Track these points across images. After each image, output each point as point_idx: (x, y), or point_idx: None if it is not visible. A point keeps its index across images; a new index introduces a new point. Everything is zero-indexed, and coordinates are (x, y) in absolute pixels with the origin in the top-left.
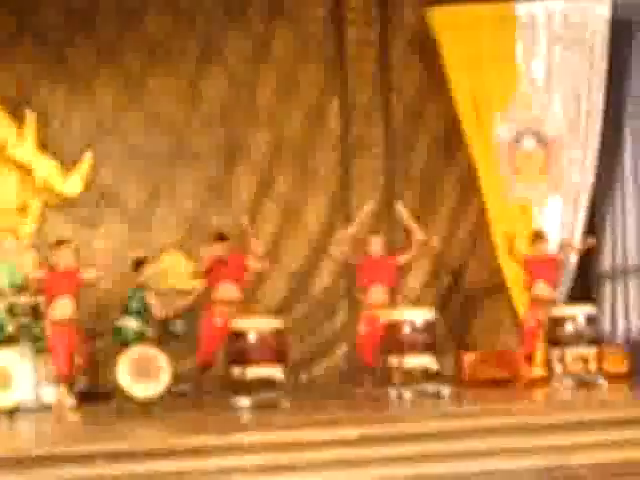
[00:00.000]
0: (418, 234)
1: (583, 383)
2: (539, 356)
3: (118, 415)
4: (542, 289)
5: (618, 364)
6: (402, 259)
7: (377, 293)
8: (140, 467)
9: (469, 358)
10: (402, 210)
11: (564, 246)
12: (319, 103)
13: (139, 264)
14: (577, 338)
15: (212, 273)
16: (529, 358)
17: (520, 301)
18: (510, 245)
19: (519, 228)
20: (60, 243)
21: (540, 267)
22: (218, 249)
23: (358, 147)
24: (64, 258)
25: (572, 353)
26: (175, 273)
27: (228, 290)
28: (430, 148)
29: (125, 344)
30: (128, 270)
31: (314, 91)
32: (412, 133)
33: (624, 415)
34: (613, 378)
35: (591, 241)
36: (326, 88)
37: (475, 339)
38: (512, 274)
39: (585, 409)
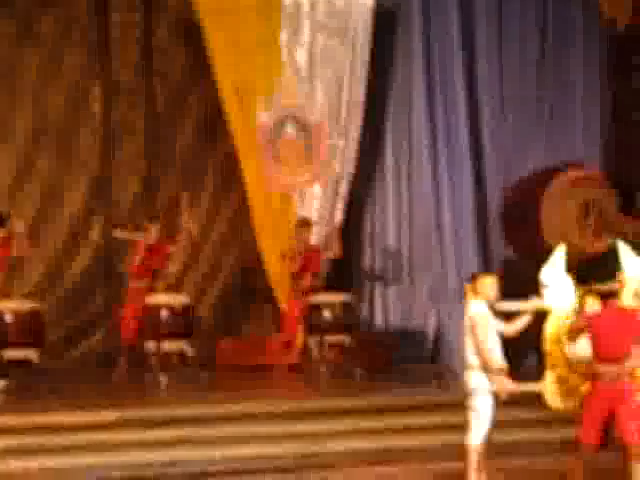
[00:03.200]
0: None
1: (340, 370)
2: (298, 343)
3: None
4: (303, 277)
5: (376, 353)
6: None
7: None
8: None
9: (225, 344)
10: None
11: (327, 236)
12: (82, 86)
13: None
14: (334, 326)
15: None
16: (288, 345)
17: (280, 288)
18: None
19: (279, 216)
20: None
21: (303, 256)
22: None
23: (120, 131)
24: None
25: (329, 340)
26: None
27: None
28: (193, 133)
29: None
30: None
31: (77, 74)
32: (175, 118)
33: (379, 403)
34: (370, 366)
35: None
36: (89, 71)
37: (235, 326)
38: (272, 261)
39: (341, 396)
